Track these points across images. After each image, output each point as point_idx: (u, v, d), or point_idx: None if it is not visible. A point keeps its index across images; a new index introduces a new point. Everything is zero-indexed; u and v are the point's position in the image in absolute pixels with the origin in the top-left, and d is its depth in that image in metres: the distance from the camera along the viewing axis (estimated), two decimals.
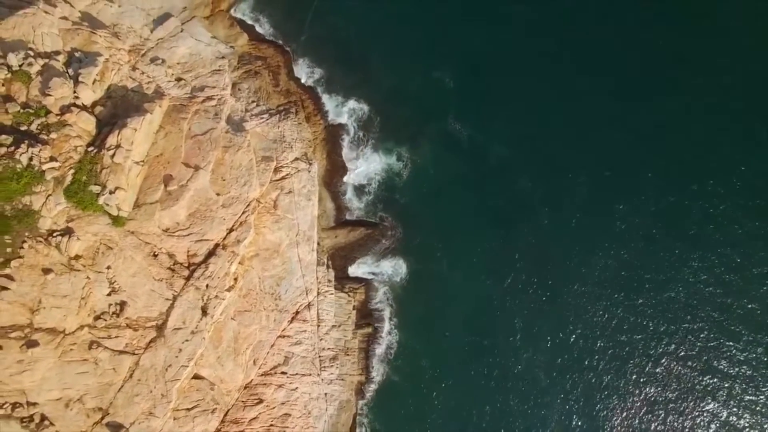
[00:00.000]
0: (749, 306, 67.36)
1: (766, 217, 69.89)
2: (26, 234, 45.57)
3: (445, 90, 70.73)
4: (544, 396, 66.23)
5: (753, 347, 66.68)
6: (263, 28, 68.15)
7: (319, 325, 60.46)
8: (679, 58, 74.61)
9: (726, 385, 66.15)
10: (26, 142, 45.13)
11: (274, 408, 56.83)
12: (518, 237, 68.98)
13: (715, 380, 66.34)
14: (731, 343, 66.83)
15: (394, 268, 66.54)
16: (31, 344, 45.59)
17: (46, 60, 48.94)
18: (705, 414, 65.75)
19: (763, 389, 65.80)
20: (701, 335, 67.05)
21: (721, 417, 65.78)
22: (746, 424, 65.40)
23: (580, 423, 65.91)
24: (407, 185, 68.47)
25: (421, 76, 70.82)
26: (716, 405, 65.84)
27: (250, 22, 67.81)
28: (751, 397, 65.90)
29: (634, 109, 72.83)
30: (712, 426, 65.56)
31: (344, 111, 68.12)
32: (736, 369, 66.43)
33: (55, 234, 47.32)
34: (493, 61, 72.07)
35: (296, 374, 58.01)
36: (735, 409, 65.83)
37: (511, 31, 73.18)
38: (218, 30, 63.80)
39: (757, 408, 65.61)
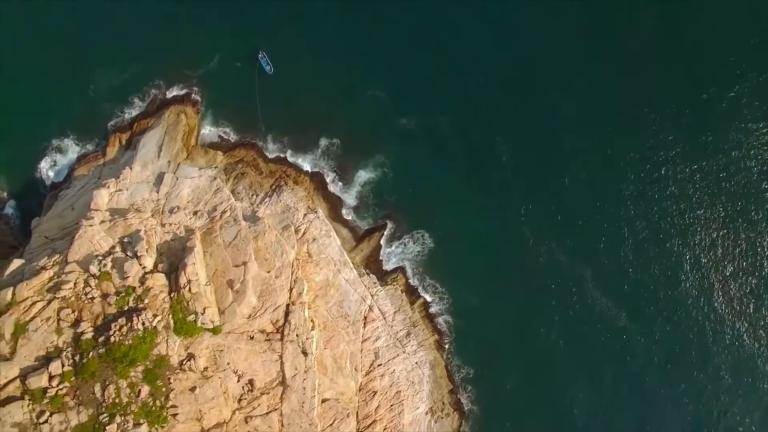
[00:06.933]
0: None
1: None
2: (168, 373, 62.80)
3: (381, 100, 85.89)
4: (568, 276, 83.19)
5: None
6: (229, 137, 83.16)
7: (384, 318, 77.74)
8: None
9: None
10: (134, 315, 62.16)
11: (386, 393, 74.59)
12: (493, 176, 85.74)
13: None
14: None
15: (414, 246, 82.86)
16: None
17: (110, 255, 65.70)
18: None
19: None
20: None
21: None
22: None
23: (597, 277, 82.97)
24: (392, 185, 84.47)
25: (359, 100, 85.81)
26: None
27: (216, 140, 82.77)
28: None
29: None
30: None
31: (317, 159, 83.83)
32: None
33: (184, 362, 64.38)
34: (409, 64, 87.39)
35: (388, 361, 75.66)
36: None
37: (408, 37, 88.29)
38: (199, 161, 78.95)
39: None
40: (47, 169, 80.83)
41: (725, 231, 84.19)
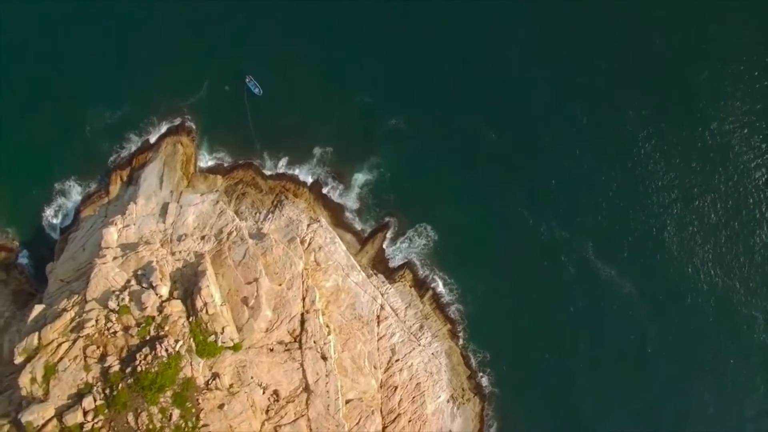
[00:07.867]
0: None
1: None
2: (195, 394, 65.44)
3: (368, 104, 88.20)
4: (571, 251, 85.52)
5: None
6: (226, 160, 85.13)
7: (397, 314, 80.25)
8: None
9: None
10: (157, 343, 64.77)
11: (407, 386, 77.24)
12: (486, 163, 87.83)
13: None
14: None
15: (420, 239, 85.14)
16: None
17: (127, 289, 68.27)
18: None
19: None
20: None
21: None
22: None
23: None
24: (390, 183, 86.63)
25: (347, 108, 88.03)
26: None
27: (214, 164, 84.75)
28: None
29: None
30: None
31: (314, 168, 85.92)
32: None
33: (209, 381, 67.06)
34: (391, 67, 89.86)
35: (405, 355, 78.25)
36: None
37: (387, 39, 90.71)
38: (200, 187, 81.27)
39: None
40: (54, 214, 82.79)
41: (717, 195, 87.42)
